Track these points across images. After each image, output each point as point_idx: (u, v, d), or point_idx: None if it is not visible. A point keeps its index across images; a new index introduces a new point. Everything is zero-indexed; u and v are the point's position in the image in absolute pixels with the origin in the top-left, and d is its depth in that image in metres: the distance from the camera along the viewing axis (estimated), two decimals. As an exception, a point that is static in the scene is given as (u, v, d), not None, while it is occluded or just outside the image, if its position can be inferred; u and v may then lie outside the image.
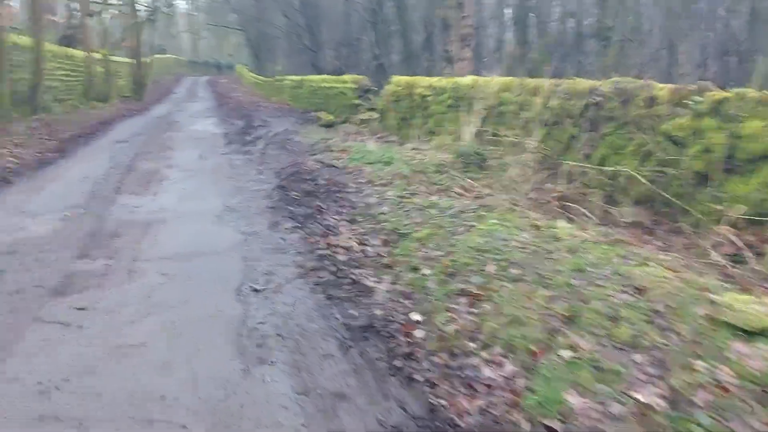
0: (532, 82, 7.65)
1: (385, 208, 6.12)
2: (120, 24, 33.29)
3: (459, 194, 6.39)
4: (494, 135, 8.03)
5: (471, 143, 7.93)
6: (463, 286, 3.81)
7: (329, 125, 14.39)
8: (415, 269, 4.28)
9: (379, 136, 12.32)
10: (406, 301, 3.98)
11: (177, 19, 73.22)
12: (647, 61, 18.69)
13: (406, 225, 5.32)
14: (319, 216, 6.43)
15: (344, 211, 6.51)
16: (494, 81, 8.41)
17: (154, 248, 5.63)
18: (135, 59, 27.27)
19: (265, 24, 46.05)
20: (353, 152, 9.56)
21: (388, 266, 4.59)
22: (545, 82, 7.36)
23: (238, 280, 4.82)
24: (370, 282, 4.42)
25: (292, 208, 6.88)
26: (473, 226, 4.62)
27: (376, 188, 7.13)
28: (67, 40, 27.13)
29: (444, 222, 5.02)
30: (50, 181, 9.03)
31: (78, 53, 22.98)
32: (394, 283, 4.29)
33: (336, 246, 5.36)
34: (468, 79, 9.24)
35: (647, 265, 3.57)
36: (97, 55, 24.68)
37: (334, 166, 8.78)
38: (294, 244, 5.67)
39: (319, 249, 5.42)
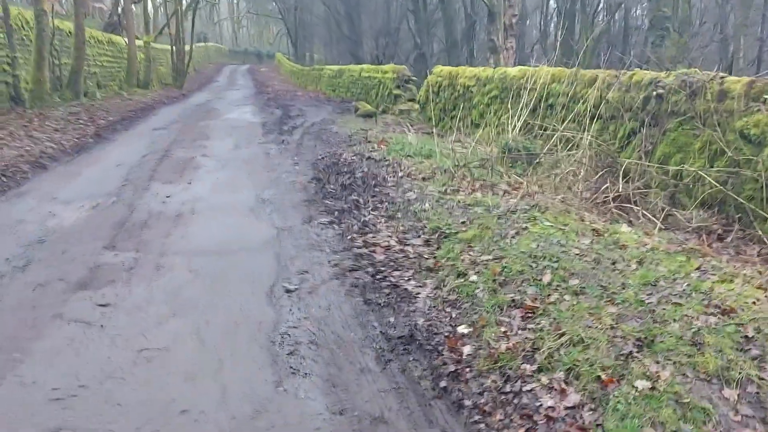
0: (586, 73, 7.15)
1: (426, 205, 5.74)
2: (163, 11, 33.46)
3: (505, 192, 5.97)
4: (543, 129, 7.56)
5: (518, 137, 7.48)
6: (516, 296, 3.42)
7: (368, 116, 14.04)
8: (461, 274, 3.90)
9: (418, 127, 11.91)
10: (452, 311, 3.61)
11: (219, 7, 73.67)
12: (699, 54, 17.80)
13: (449, 224, 4.93)
14: (356, 211, 6.08)
15: (383, 206, 6.15)
16: (544, 71, 7.93)
17: (184, 241, 5.36)
18: (176, 46, 27.31)
19: (304, 12, 45.91)
20: (392, 144, 9.18)
21: (431, 269, 4.22)
22: (601, 73, 6.85)
23: (271, 280, 4.50)
24: (411, 286, 4.05)
25: (328, 202, 6.55)
26: (525, 228, 4.21)
27: (416, 183, 6.75)
28: (112, 27, 27.35)
29: (491, 222, 4.61)
30: (86, 166, 8.89)
31: (121, 40, 23.08)
32: (437, 289, 3.92)
33: (374, 244, 5.01)
34: (516, 70, 8.76)
35: (731, 281, 3.11)
36: (140, 42, 24.77)
37: (372, 158, 8.41)
38: (330, 241, 5.34)
39: (356, 247, 5.07)
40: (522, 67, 8.78)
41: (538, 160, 6.77)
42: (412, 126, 12.15)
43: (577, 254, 3.66)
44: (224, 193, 7.18)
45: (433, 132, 10.52)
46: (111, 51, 21.67)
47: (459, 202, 5.58)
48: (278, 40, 72.66)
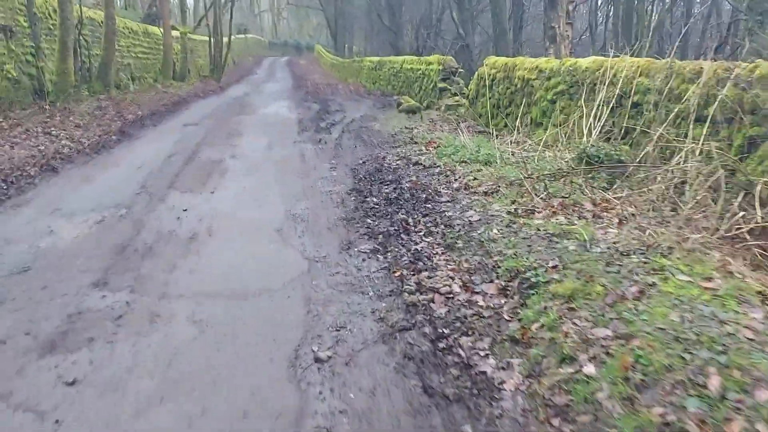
0: (687, 65, 5.76)
1: (494, 231, 4.49)
2: (203, 2, 32.71)
3: (594, 215, 4.67)
4: (627, 133, 6.21)
5: (597, 142, 6.14)
6: (669, 413, 2.17)
7: (411, 111, 12.78)
8: (567, 359, 2.66)
9: (468, 125, 10.61)
10: (562, 426, 2.37)
11: None
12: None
13: (533, 265, 3.68)
14: (404, 236, 4.88)
15: (437, 230, 4.93)
16: (627, 63, 6.55)
17: (192, 278, 4.24)
18: (214, 38, 26.47)
19: (344, 3, 44.75)
20: (442, 146, 7.93)
21: (518, 341, 2.99)
22: (707, 65, 5.47)
23: (296, 340, 3.35)
24: (490, 368, 2.83)
25: (370, 221, 5.36)
26: (652, 284, 2.94)
27: (476, 198, 5.50)
28: (152, 18, 26.67)
29: (595, 268, 3.35)
30: (102, 169, 7.90)
31: (157, 31, 22.29)
32: (531, 379, 2.69)
33: (431, 289, 3.80)
34: (589, 61, 7.39)
35: None
36: (177, 33, 23.97)
37: (420, 164, 7.18)
38: (373, 279, 4.15)
39: (407, 290, 3.88)
40: (596, 57, 7.41)
41: (627, 173, 5.44)
42: (461, 124, 10.86)
43: (750, 339, 2.39)
44: (250, 207, 6.07)
45: (487, 131, 9.23)
46: (147, 42, 20.87)
47: (538, 229, 4.32)
48: (318, 32, 71.75)
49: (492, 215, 4.91)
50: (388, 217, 5.42)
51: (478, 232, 4.59)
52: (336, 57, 39.68)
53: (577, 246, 3.78)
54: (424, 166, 6.99)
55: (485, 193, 5.59)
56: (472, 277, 3.86)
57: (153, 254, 4.67)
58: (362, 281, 4.14)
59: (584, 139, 6.40)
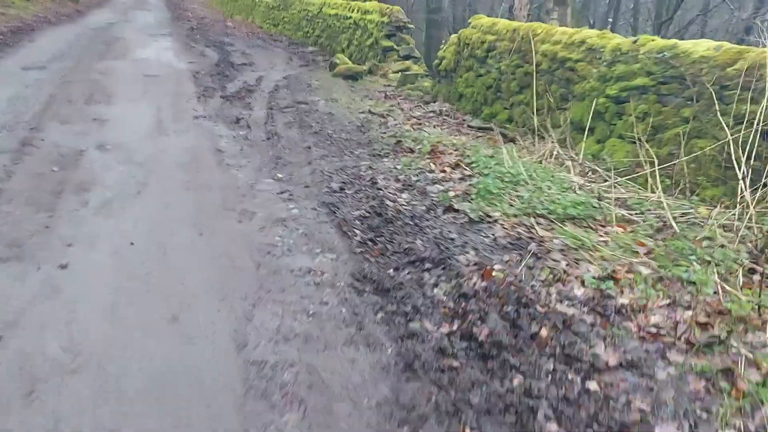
0: None
1: None
2: None
3: None
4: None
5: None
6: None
7: (351, 77, 9.40)
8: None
9: (444, 110, 7.54)
10: None
11: None
12: None
13: None
14: None
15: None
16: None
17: None
18: (68, -53, 20.61)
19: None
20: (461, 163, 4.84)
21: None
22: None
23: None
24: None
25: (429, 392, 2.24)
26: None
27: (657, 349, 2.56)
28: None
29: None
30: None
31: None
32: None
33: None
34: (708, 46, 4.57)
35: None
36: (15, -65, 18.07)
37: (455, 212, 4.03)
38: None
39: None
40: (721, 43, 4.61)
41: None
42: (432, 107, 7.76)
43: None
44: (148, 337, 2.66)
45: (488, 129, 6.27)
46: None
47: None
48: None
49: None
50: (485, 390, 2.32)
51: None
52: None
53: None
54: (470, 218, 3.85)
55: (657, 332, 2.65)
56: None
57: None
58: None
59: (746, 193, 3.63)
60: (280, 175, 4.87)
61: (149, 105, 7.16)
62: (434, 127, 6.24)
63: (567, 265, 3.18)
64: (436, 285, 3.06)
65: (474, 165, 4.73)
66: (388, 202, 4.14)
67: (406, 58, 10.15)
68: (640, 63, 5.04)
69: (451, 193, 4.22)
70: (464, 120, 7.04)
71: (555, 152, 5.28)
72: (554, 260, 3.24)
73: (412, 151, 5.23)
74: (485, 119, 7.02)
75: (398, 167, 4.89)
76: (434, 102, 8.05)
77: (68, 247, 3.39)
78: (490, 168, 4.54)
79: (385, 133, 5.87)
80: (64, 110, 6.60)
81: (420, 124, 6.23)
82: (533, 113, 5.98)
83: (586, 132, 5.35)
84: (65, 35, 13.63)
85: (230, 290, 3.05)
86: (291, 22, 16.28)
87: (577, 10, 17.26)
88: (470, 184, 4.34)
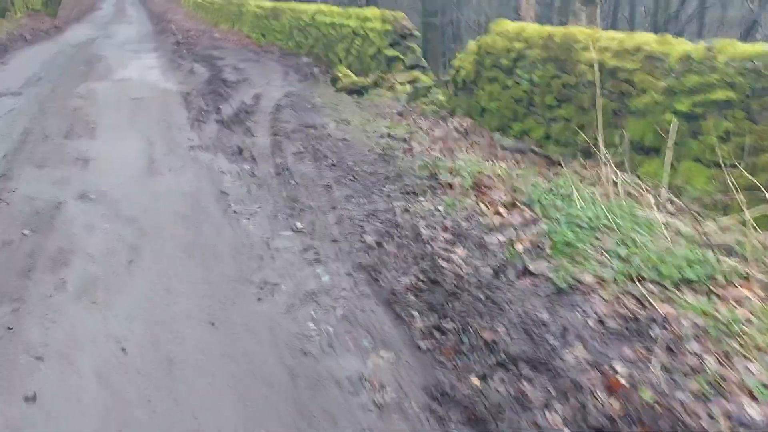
0: None
1: None
2: None
3: None
4: None
5: None
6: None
7: (357, 92, 8.54)
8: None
9: (465, 125, 6.71)
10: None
11: None
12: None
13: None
14: None
15: None
16: None
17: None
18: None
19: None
20: (517, 201, 3.99)
21: None
22: None
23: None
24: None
25: None
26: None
27: None
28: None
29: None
30: None
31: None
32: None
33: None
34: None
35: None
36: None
37: (516, 268, 3.19)
38: None
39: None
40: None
41: None
42: (446, 122, 6.92)
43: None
44: None
45: (534, 152, 5.46)
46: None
47: None
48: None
49: None
50: None
51: None
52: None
53: None
54: (556, 286, 2.99)
55: None
56: None
57: None
58: None
59: None
60: (299, 225, 4.00)
61: (138, 136, 6.27)
62: (465, 151, 5.38)
63: (716, 362, 2.34)
64: (546, 406, 2.21)
65: (533, 203, 3.88)
66: (441, 263, 3.29)
67: (413, 67, 9.30)
68: (719, 73, 4.23)
69: (519, 247, 3.37)
70: (493, 138, 6.20)
71: (616, 178, 4.44)
72: (694, 354, 2.40)
73: (451, 186, 4.37)
74: (516, 137, 6.19)
75: (440, 209, 4.03)
76: (452, 117, 7.20)
77: (37, 362, 2.51)
78: (556, 208, 3.69)
79: (413, 162, 5.01)
80: (41, 149, 5.70)
81: (450, 148, 5.36)
82: (579, 130, 5.16)
83: (649, 153, 4.52)
84: (42, 54, 12.70)
85: (260, 425, 2.19)
86: (281, 31, 15.37)
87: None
88: (538, 233, 3.49)
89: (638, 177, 4.59)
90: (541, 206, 3.86)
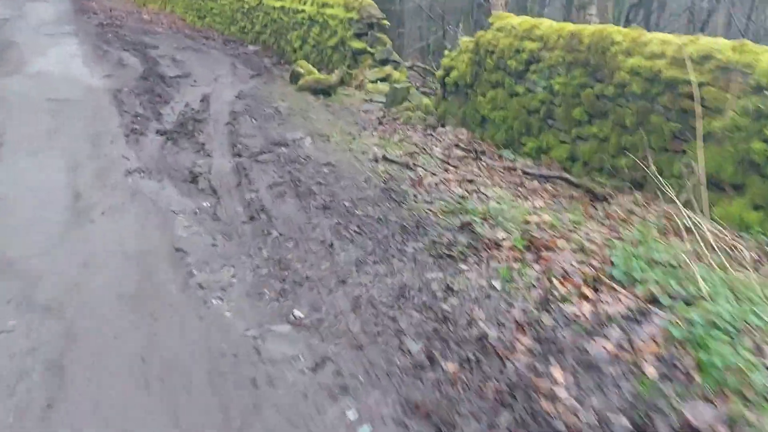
0: None
1: None
2: None
3: None
4: None
5: None
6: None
7: (323, 92, 7.22)
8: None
9: (468, 143, 5.59)
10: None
11: None
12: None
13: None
14: None
15: None
16: None
17: None
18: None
19: None
20: (602, 263, 2.93)
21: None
22: None
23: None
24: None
25: None
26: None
27: None
28: None
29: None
30: None
31: None
32: None
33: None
34: None
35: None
36: None
37: (662, 414, 2.13)
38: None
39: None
40: None
41: None
42: (442, 136, 5.78)
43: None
44: None
45: (572, 183, 4.42)
46: None
47: None
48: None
49: None
50: None
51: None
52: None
53: None
54: None
55: None
56: None
57: None
58: None
59: None
60: (299, 314, 2.76)
61: (57, 155, 4.79)
62: (488, 181, 4.25)
63: None
64: None
65: (624, 276, 2.80)
66: (545, 405, 2.15)
67: (384, 62, 8.06)
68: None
69: (650, 371, 2.27)
70: (502, 158, 5.11)
71: (697, 226, 3.44)
72: None
73: (498, 245, 3.23)
74: (530, 155, 5.12)
75: (497, 286, 2.89)
76: (443, 127, 6.06)
77: None
78: (673, 290, 2.62)
79: (430, 201, 3.83)
80: None
81: (470, 180, 4.21)
82: (623, 153, 4.15)
83: (725, 190, 3.56)
84: (-65, 39, 10.60)
85: None
86: (222, 14, 13.66)
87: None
88: (663, 338, 2.40)
89: (715, 221, 3.62)
90: (633, 280, 2.79)
